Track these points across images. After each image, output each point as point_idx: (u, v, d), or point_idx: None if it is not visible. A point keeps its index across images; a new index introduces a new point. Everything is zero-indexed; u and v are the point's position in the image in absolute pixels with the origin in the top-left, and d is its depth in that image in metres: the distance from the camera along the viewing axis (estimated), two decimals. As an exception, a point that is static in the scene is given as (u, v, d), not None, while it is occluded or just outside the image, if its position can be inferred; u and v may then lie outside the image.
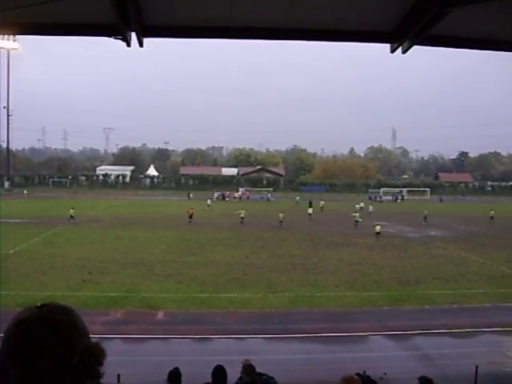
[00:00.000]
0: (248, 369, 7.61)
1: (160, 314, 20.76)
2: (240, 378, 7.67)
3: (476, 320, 20.42)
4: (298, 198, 79.50)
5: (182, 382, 7.78)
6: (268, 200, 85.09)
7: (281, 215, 49.90)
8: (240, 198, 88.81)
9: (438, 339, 18.56)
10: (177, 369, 8.02)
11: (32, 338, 1.43)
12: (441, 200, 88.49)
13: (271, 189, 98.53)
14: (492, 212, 55.66)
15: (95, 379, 1.50)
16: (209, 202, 70.29)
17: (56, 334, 1.46)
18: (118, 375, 10.20)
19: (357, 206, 62.37)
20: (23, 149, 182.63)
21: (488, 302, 22.88)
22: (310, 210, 56.90)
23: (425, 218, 54.72)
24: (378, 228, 41.93)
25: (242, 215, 51.54)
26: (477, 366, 12.11)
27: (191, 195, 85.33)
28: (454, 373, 12.87)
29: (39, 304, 1.55)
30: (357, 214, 51.77)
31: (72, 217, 48.95)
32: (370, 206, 63.96)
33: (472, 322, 20.05)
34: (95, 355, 1.51)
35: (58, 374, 1.40)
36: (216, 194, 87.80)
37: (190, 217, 50.25)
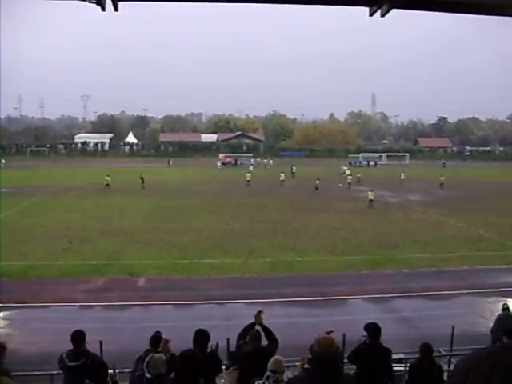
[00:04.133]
0: (254, 336, 7.62)
1: (141, 281, 20.79)
2: (246, 343, 7.69)
3: (454, 283, 20.80)
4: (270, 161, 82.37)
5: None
6: (266, 165, 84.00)
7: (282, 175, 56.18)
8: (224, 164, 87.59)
9: (417, 302, 18.90)
10: (158, 333, 8.04)
11: None
12: (444, 165, 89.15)
13: (251, 155, 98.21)
14: (442, 178, 55.56)
15: None
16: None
17: None
18: (101, 342, 10.20)
19: (345, 168, 63.14)
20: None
21: (465, 265, 23.27)
22: (282, 176, 57.23)
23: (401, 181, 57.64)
24: (371, 195, 40.66)
25: (247, 179, 55.37)
26: (453, 327, 12.34)
27: (171, 162, 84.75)
28: (431, 334, 13.10)
29: None
30: (348, 174, 54.70)
31: (108, 185, 49.42)
32: (347, 171, 63.93)
33: (450, 285, 20.42)
34: None
35: None
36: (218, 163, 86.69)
37: (142, 182, 51.29)
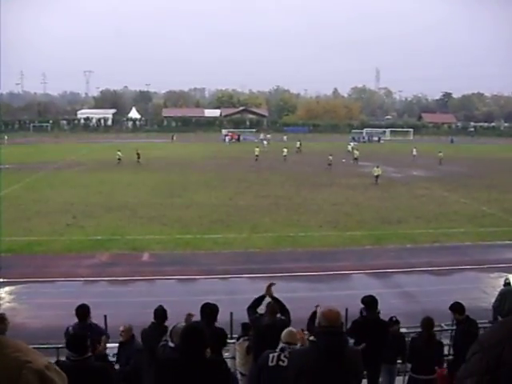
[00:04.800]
0: (272, 308, 7.65)
1: (145, 256, 20.91)
2: (261, 315, 7.73)
3: (456, 258, 20.86)
4: (285, 137, 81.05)
5: (167, 319, 7.86)
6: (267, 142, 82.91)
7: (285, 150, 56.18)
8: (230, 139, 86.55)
9: (419, 277, 18.98)
10: (161, 306, 8.10)
11: None
12: (452, 141, 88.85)
13: (254, 130, 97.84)
14: (441, 154, 54.45)
15: None
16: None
17: None
18: (105, 316, 10.30)
19: (355, 144, 62.57)
20: (1, 94, 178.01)
21: (468, 241, 23.31)
22: (285, 151, 56.94)
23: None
24: (376, 171, 39.88)
25: (256, 154, 55.35)
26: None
27: (175, 137, 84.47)
28: (433, 309, 13.15)
29: None
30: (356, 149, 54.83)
31: (120, 159, 49.62)
32: (353, 146, 63.48)
33: (452, 260, 20.49)
34: None
35: None
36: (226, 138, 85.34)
37: (138, 157, 50.84)
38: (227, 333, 7.76)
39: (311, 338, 4.93)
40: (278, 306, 7.71)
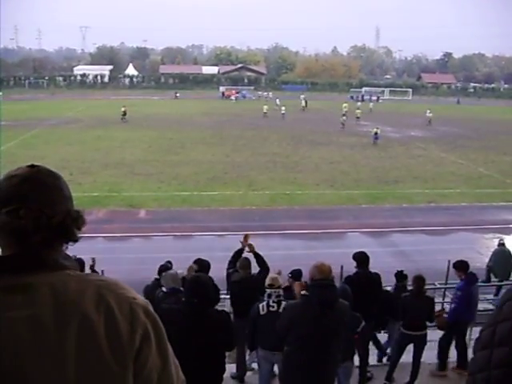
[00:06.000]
0: (243, 264, 7.71)
1: (142, 213, 21.00)
2: (235, 271, 7.80)
3: (452, 218, 21.00)
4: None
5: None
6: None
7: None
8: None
9: (414, 236, 19.17)
10: (167, 262, 8.17)
11: (19, 192, 1.53)
12: (458, 101, 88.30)
13: (252, 87, 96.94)
14: (430, 115, 53.43)
15: (72, 241, 1.62)
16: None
17: (42, 193, 1.56)
18: (102, 271, 10.38)
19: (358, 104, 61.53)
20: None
21: (464, 202, 23.42)
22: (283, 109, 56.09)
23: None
24: (376, 130, 39.37)
25: (264, 111, 55.65)
26: (449, 261, 12.50)
27: (178, 94, 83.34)
28: (427, 267, 13.29)
29: (30, 164, 1.66)
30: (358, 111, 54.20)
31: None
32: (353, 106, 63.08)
33: (448, 221, 20.62)
34: (75, 219, 1.61)
35: (39, 227, 1.49)
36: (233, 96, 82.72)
37: (124, 114, 49.72)
38: (220, 288, 7.82)
39: (303, 292, 5.01)
40: (256, 261, 7.76)
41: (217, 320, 4.89)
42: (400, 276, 8.79)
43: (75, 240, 1.62)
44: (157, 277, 7.74)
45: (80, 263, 7.68)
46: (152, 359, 1.53)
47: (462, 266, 8.45)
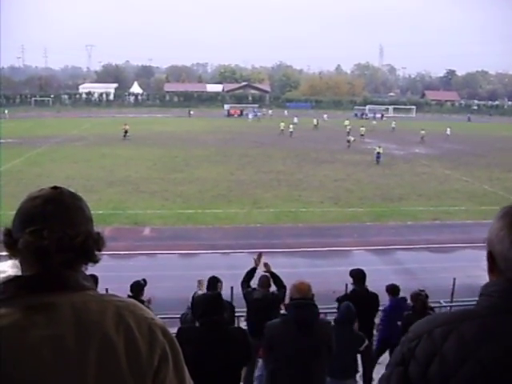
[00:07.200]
0: (263, 281, 7.70)
1: (146, 231, 20.99)
2: (253, 289, 7.78)
3: (457, 236, 20.89)
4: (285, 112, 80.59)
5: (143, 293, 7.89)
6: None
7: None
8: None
9: (419, 254, 19.08)
10: (138, 280, 8.13)
11: (42, 213, 1.57)
12: (469, 119, 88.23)
13: (256, 105, 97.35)
14: (423, 132, 53.47)
15: (93, 262, 1.67)
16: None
17: (64, 214, 1.60)
18: (106, 289, 10.37)
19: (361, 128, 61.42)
20: (2, 67, 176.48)
21: (469, 219, 23.32)
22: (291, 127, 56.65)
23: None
24: (378, 149, 38.57)
25: (281, 128, 56.81)
26: (454, 279, 12.53)
27: (192, 112, 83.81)
28: (432, 285, 13.26)
29: (53, 185, 1.69)
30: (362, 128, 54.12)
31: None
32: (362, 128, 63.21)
33: (453, 238, 20.52)
34: (96, 240, 1.65)
35: (62, 248, 1.52)
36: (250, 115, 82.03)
37: (125, 133, 50.05)
38: (234, 306, 7.82)
39: (282, 311, 5.04)
40: (272, 280, 7.74)
41: (236, 337, 4.87)
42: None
43: (96, 261, 1.67)
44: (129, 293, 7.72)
45: (94, 279, 7.68)
46: (169, 379, 1.57)
47: (391, 290, 8.49)
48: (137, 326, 1.53)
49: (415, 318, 6.12)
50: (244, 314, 8.46)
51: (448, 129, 56.50)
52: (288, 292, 5.05)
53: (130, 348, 1.49)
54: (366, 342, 6.51)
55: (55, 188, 1.68)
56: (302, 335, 4.70)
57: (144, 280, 8.11)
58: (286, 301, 7.42)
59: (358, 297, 7.53)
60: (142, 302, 6.46)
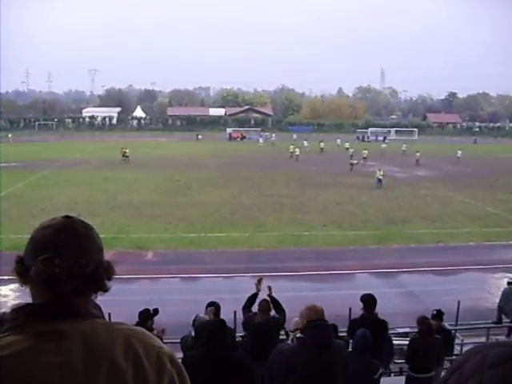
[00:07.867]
0: (263, 306, 7.68)
1: (149, 255, 20.98)
2: (254, 314, 7.77)
3: (460, 258, 20.85)
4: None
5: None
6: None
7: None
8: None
9: (423, 277, 18.99)
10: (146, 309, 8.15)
11: (54, 242, 1.59)
12: (475, 141, 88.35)
13: (259, 129, 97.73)
14: (418, 154, 53.26)
15: (103, 291, 1.67)
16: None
17: (76, 243, 1.63)
18: (109, 314, 10.33)
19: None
20: (6, 92, 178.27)
21: (472, 241, 23.29)
22: (297, 151, 56.62)
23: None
24: (379, 174, 38.01)
25: (291, 151, 56.84)
26: (459, 302, 12.47)
27: (200, 136, 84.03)
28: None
29: (64, 215, 1.71)
30: (365, 151, 53.98)
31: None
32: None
33: (456, 260, 20.46)
34: (106, 269, 1.67)
35: (72, 276, 1.55)
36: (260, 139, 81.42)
37: (124, 156, 50.65)
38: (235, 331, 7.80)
39: (298, 335, 5.01)
40: (271, 304, 7.75)
41: (240, 362, 4.87)
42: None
43: (106, 290, 1.67)
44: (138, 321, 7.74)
45: (98, 308, 7.65)
46: None
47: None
48: (145, 354, 1.54)
49: (421, 342, 6.10)
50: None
51: (459, 151, 56.12)
52: (299, 316, 5.02)
53: (139, 376, 1.50)
54: (381, 370, 6.46)
55: (67, 217, 1.71)
56: (320, 355, 4.68)
57: (155, 310, 8.12)
58: (290, 326, 7.45)
59: (368, 323, 7.48)
60: (150, 330, 6.46)
